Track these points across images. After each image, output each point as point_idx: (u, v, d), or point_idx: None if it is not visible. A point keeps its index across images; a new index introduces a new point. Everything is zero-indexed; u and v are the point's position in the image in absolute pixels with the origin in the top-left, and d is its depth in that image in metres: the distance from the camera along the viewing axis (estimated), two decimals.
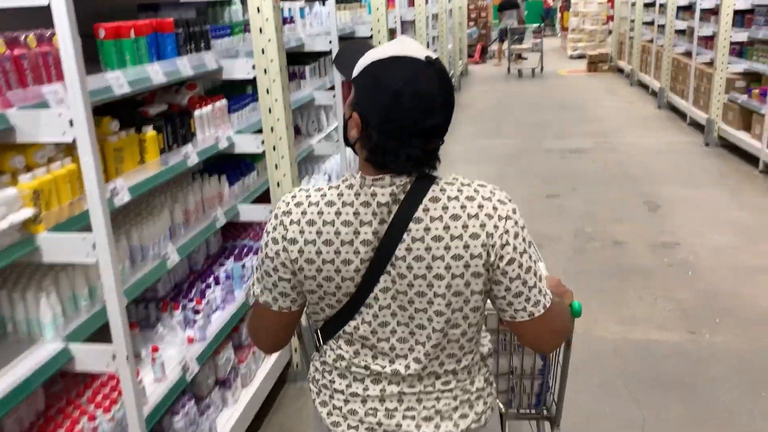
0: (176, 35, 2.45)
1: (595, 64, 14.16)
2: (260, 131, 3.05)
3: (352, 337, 1.32)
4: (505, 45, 14.99)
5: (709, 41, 8.24)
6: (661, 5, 10.57)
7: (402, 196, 1.23)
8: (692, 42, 8.68)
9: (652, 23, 11.20)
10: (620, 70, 13.68)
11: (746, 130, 7.01)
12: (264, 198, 3.20)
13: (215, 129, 2.88)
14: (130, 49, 2.20)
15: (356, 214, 1.24)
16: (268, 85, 2.95)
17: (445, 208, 1.23)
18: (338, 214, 1.25)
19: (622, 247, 4.83)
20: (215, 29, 2.91)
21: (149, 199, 2.55)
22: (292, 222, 1.26)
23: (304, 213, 1.26)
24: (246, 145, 3.05)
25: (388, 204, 1.23)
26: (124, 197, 2.08)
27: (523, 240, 1.26)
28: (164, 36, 2.39)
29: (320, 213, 1.25)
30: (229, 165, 3.12)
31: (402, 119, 1.19)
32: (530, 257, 1.26)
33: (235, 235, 3.29)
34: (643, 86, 11.60)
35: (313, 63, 4.14)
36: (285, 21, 3.61)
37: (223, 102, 2.93)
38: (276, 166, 3.09)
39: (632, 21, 12.51)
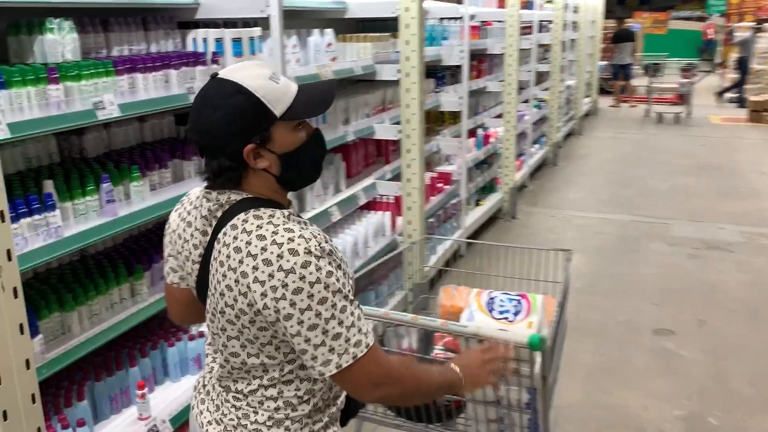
0: None
1: (758, 112, 11.84)
2: (398, 123, 3.98)
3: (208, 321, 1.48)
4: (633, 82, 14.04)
5: None
6: None
7: (219, 214, 1.39)
8: None
9: None
10: None
11: None
12: (395, 177, 4.11)
13: (366, 117, 3.85)
14: None
15: (196, 219, 1.45)
16: (408, 86, 3.88)
17: (235, 237, 1.33)
18: (189, 213, 1.49)
19: None
20: None
21: None
22: (176, 211, 1.55)
23: (182, 205, 1.54)
24: (385, 132, 3.99)
25: (208, 218, 1.41)
26: None
27: (310, 296, 1.27)
28: None
29: (187, 210, 1.51)
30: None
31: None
32: (319, 315, 1.28)
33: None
34: None
35: (440, 73, 5.07)
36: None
37: None
38: (408, 151, 4.00)
39: None
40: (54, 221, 2.04)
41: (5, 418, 1.53)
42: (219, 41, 2.83)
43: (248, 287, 1.29)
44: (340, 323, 1.29)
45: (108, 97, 2.20)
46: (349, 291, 1.33)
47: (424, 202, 4.17)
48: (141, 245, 2.68)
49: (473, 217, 5.80)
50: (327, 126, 3.61)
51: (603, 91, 14.30)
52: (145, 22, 2.68)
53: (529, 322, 1.99)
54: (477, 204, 6.13)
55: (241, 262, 1.29)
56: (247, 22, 3.05)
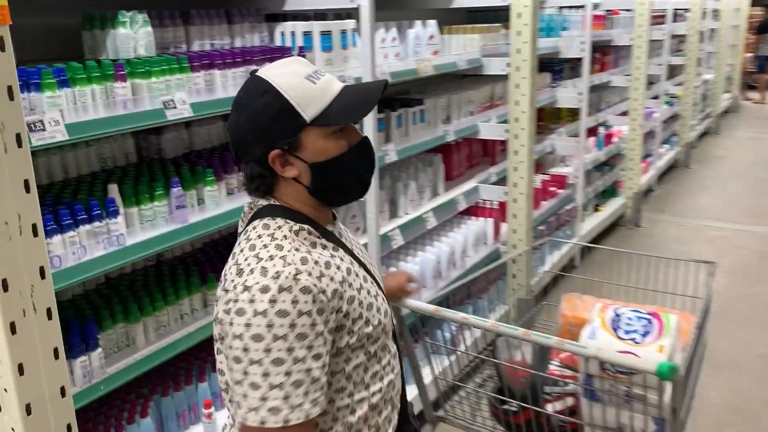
0: None
1: None
2: (505, 121, 3.64)
3: None
4: None
5: None
6: None
7: (248, 219, 1.35)
8: None
9: None
10: None
11: None
12: (500, 180, 3.78)
13: (470, 115, 3.55)
14: None
15: (240, 225, 1.42)
16: (518, 81, 3.53)
17: (239, 243, 1.28)
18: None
19: None
20: None
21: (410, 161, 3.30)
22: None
23: None
24: (491, 132, 3.67)
25: (242, 224, 1.38)
26: (392, 157, 2.82)
27: (247, 325, 1.13)
28: None
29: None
30: None
31: None
32: (246, 350, 1.13)
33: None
34: None
35: (558, 67, 4.64)
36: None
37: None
38: (515, 152, 3.65)
39: None
40: (116, 228, 1.91)
41: None
42: (307, 35, 2.64)
43: (220, 292, 1.22)
44: (265, 375, 1.12)
45: (180, 96, 2.05)
46: (304, 347, 1.13)
47: (532, 209, 3.81)
48: (219, 252, 2.55)
49: (590, 224, 5.33)
50: (425, 125, 3.34)
51: (746, 86, 13.26)
52: (229, 15, 2.53)
53: (660, 345, 1.74)
54: (595, 210, 5.63)
55: (229, 268, 1.23)
56: (339, 14, 2.84)
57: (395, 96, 3.43)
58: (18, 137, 1.32)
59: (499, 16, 3.99)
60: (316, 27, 2.61)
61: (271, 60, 2.42)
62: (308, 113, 1.24)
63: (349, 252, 1.37)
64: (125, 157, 2.36)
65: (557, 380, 1.93)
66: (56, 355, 1.44)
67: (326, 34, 2.64)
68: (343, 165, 1.28)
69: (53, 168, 2.13)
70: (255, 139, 1.26)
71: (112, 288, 2.20)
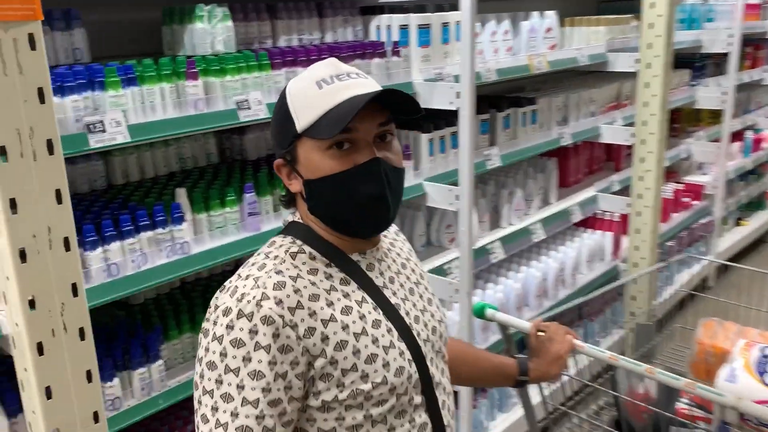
0: None
1: None
2: (632, 124, 3.24)
3: None
4: None
5: None
6: None
7: None
8: None
9: None
10: None
11: None
12: (623, 189, 3.38)
13: (591, 116, 3.19)
14: None
15: None
16: (648, 80, 3.12)
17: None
18: None
19: None
20: None
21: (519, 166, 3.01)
22: None
23: None
24: (614, 135, 3.29)
25: None
26: (495, 162, 2.56)
27: (206, 349, 1.01)
28: None
29: None
30: None
31: None
32: (202, 376, 1.01)
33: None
34: None
35: (699, 63, 4.13)
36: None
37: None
38: (641, 160, 3.24)
39: None
40: (180, 236, 1.81)
41: None
42: (404, 29, 2.43)
43: None
44: (213, 409, 0.97)
45: (254, 96, 1.92)
46: (258, 389, 0.97)
47: (658, 223, 3.38)
48: None
49: (730, 240, 4.73)
50: (536, 127, 3.03)
51: None
52: (321, 8, 2.37)
53: None
54: (737, 224, 5.01)
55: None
56: (442, 6, 2.60)
57: (504, 94, 3.14)
58: (49, 143, 1.22)
59: (635, 7, 3.58)
60: (414, 20, 2.40)
61: (362, 57, 2.25)
62: (301, 122, 1.07)
63: (369, 289, 1.14)
64: (206, 158, 2.27)
65: (686, 423, 1.67)
66: (89, 378, 1.33)
67: (424, 28, 2.41)
68: (337, 187, 1.07)
69: (130, 168, 2.07)
70: (275, 146, 1.16)
71: (185, 294, 2.12)
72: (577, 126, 3.24)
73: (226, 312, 0.99)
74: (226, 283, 1.06)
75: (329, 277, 1.09)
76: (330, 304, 1.05)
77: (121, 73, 1.68)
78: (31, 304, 1.23)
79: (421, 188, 2.48)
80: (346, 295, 1.09)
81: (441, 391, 1.17)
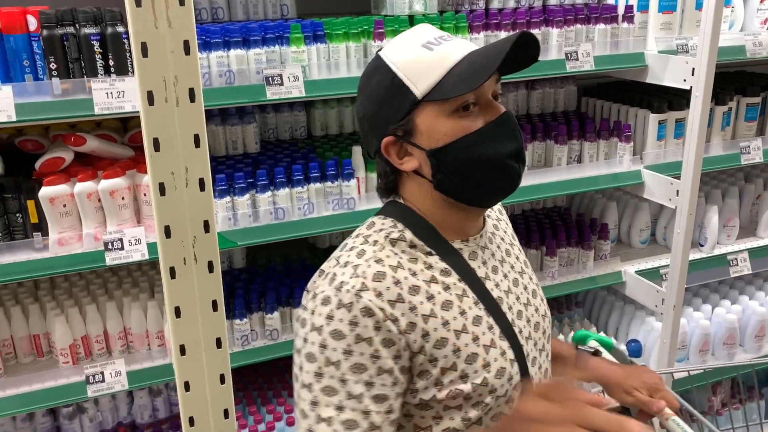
0: None
1: None
2: None
3: None
4: None
5: None
6: None
7: None
8: None
9: None
10: None
11: None
12: None
13: None
14: None
15: None
16: None
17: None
18: None
19: None
20: None
21: None
22: None
23: None
24: None
25: None
26: (755, 157, 2.18)
27: (304, 340, 0.98)
28: None
29: None
30: None
31: None
32: (301, 369, 0.97)
33: None
34: None
35: None
36: None
37: None
38: None
39: None
40: (348, 192, 1.88)
41: (186, 389, 1.50)
42: None
43: None
44: (313, 404, 0.95)
45: None
46: (361, 382, 0.94)
47: None
48: None
49: None
50: None
51: None
52: None
53: None
54: None
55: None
56: None
57: None
58: (191, 92, 1.35)
59: None
60: None
61: (580, 21, 2.05)
62: (420, 87, 1.00)
63: (471, 281, 1.06)
64: None
65: None
66: (215, 307, 1.49)
67: None
68: (471, 149, 1.00)
69: (329, 121, 2.20)
70: (371, 128, 1.07)
71: None
72: None
73: (325, 301, 0.97)
74: (324, 267, 1.04)
75: (429, 267, 1.05)
76: (430, 297, 1.01)
77: (308, 30, 1.77)
78: (167, 232, 1.40)
79: (639, 176, 2.19)
80: (447, 288, 1.04)
81: None
